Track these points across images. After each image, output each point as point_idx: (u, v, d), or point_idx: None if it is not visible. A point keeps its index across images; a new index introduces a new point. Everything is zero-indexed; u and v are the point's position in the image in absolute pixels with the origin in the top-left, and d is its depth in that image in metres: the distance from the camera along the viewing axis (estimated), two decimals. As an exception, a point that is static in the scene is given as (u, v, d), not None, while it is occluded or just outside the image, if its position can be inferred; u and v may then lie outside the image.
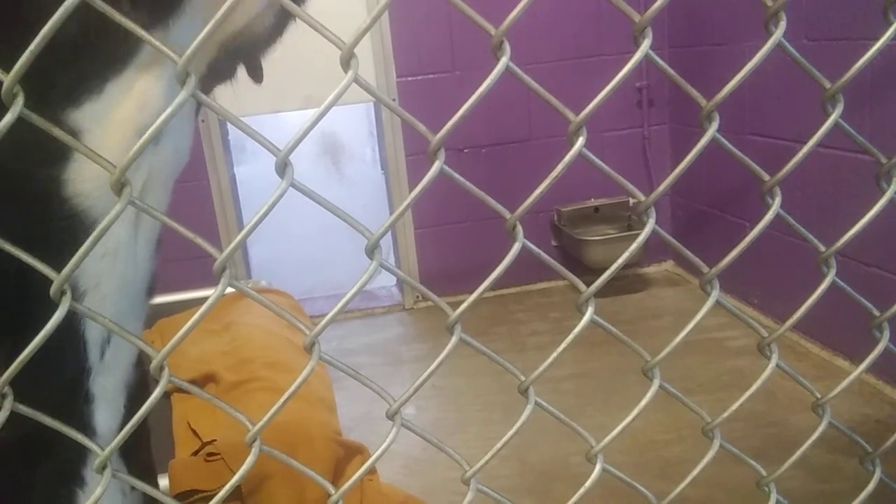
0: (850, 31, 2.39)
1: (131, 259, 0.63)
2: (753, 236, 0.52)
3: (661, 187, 0.51)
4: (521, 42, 3.32)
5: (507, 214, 0.49)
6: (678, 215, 3.74)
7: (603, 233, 3.56)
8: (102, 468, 0.49)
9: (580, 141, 0.48)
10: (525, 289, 3.67)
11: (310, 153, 5.31)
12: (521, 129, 3.58)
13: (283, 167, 0.46)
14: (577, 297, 0.53)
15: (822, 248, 0.56)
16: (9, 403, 0.46)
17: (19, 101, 0.40)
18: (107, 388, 0.63)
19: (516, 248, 0.49)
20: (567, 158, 0.48)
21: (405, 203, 0.48)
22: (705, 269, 0.55)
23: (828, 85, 0.52)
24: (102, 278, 0.61)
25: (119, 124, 0.55)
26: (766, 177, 0.53)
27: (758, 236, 0.52)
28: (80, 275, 0.60)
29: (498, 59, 0.45)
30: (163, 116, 0.42)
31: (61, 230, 0.55)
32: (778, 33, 0.48)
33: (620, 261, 0.53)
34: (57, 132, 0.42)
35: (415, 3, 3.40)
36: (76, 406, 0.54)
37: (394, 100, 3.47)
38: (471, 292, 0.50)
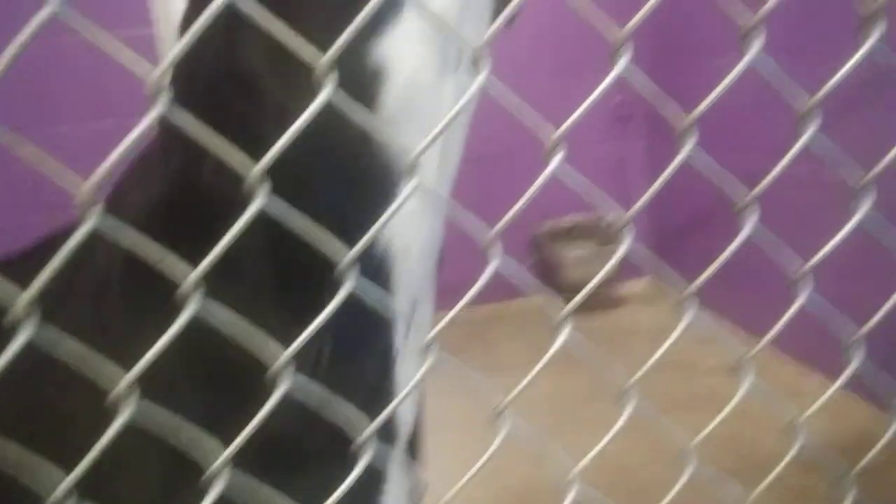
0: (830, 44, 2.43)
1: (436, 208, 0.61)
2: (725, 257, 0.52)
3: (638, 203, 0.51)
4: (502, 56, 3.34)
5: (483, 235, 0.49)
6: (656, 231, 3.77)
7: (581, 249, 3.57)
8: None
9: (557, 158, 0.48)
10: (502, 306, 3.66)
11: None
12: (502, 144, 3.59)
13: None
14: (554, 314, 0.53)
15: (793, 272, 0.56)
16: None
17: None
18: (408, 377, 0.60)
19: (491, 268, 0.49)
20: (540, 180, 0.48)
21: (375, 227, 0.47)
22: (681, 287, 0.55)
23: (804, 103, 0.52)
24: (413, 239, 0.58)
25: (422, 47, 0.53)
26: (742, 193, 0.53)
27: (735, 252, 0.52)
28: (390, 238, 0.56)
29: (478, 73, 0.45)
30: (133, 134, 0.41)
31: (373, 182, 0.53)
32: (753, 51, 0.48)
33: (595, 281, 0.53)
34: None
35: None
36: (386, 395, 0.52)
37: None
38: (448, 310, 0.49)
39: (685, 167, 0.51)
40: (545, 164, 0.48)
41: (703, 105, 0.49)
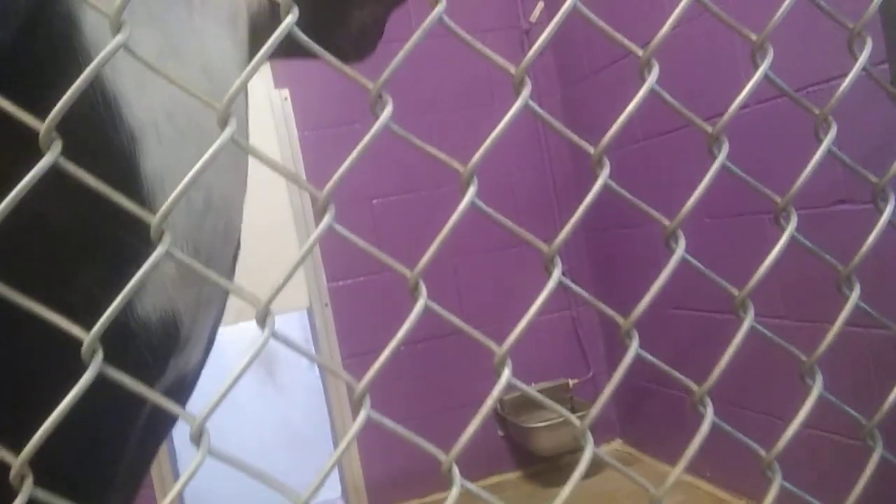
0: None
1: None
2: (688, 459, 0.50)
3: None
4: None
5: (443, 456, 0.47)
6: (620, 393, 3.75)
7: (547, 417, 3.52)
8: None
9: (506, 373, 0.48)
10: (476, 486, 3.52)
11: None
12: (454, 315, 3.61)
13: (198, 436, 0.42)
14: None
15: (695, 386, 0.55)
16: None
17: None
18: None
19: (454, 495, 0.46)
20: (495, 392, 0.47)
21: (328, 464, 0.44)
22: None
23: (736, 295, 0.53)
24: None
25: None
26: (695, 387, 0.53)
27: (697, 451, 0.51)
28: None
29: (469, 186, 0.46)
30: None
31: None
32: (678, 251, 0.51)
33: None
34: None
35: (341, 215, 3.51)
36: None
37: (326, 305, 3.49)
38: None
39: (638, 330, 0.52)
40: (496, 377, 0.48)
41: (639, 310, 0.50)
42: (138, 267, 0.41)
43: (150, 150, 0.50)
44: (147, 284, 0.50)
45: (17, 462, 0.37)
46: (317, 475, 0.44)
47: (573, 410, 3.59)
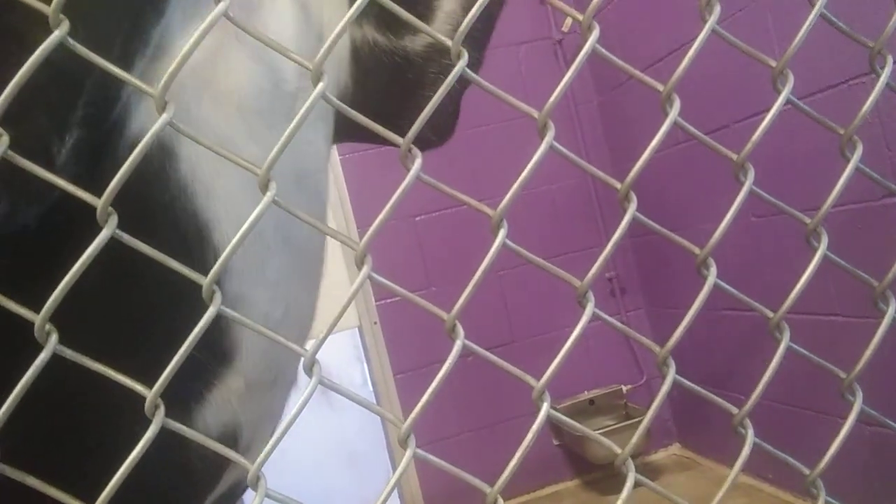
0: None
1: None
2: (728, 484, 0.50)
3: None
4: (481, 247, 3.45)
5: (487, 489, 0.47)
6: (674, 395, 3.71)
7: (602, 425, 3.49)
8: None
9: (545, 407, 0.48)
10: (534, 496, 3.51)
11: (297, 385, 5.26)
12: (503, 333, 3.62)
13: (255, 481, 0.44)
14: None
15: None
16: None
17: None
18: None
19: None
20: (535, 426, 0.48)
21: (388, 487, 0.46)
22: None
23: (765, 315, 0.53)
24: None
25: None
26: (734, 410, 0.53)
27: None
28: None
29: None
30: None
31: None
32: (710, 278, 0.51)
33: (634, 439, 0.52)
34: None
35: (385, 231, 3.55)
36: None
37: (375, 323, 3.53)
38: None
39: (687, 332, 0.52)
40: (536, 409, 0.48)
41: (674, 341, 0.50)
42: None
43: (231, 270, 0.51)
44: (211, 400, 0.51)
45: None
46: (375, 497, 0.46)
47: (627, 417, 3.56)
